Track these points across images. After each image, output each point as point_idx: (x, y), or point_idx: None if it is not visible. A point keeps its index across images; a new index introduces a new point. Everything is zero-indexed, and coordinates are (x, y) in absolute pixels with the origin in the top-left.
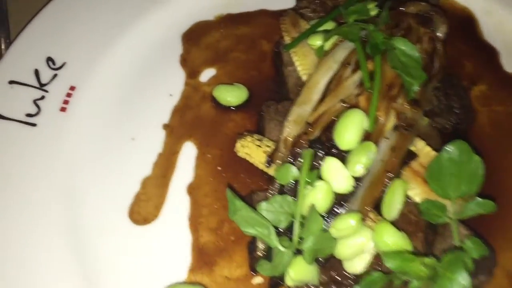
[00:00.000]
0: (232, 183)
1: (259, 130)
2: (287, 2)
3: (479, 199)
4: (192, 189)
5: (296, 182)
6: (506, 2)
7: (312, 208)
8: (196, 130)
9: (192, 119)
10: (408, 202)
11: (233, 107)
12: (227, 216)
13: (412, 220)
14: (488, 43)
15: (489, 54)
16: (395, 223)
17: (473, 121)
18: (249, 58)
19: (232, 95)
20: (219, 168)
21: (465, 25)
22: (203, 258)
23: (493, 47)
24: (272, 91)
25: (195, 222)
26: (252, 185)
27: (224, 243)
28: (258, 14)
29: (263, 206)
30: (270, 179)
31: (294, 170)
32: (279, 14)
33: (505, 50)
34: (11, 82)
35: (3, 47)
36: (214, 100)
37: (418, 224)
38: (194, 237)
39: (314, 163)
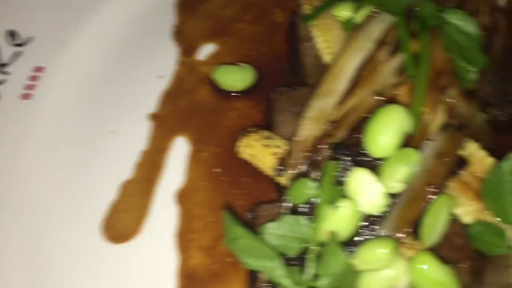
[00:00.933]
0: (232, 191)
1: (268, 123)
2: None
3: None
4: (182, 197)
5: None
6: None
7: (333, 238)
8: (190, 122)
9: (186, 107)
10: (454, 221)
11: (236, 92)
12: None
13: (457, 245)
14: None
15: None
16: (436, 249)
17: None
18: (258, 30)
19: (236, 78)
20: (216, 170)
21: None
22: (193, 284)
23: None
24: (285, 72)
25: (184, 239)
26: (256, 192)
27: (219, 266)
28: None
29: (270, 227)
30: (280, 188)
31: (311, 186)
32: None
33: None
34: None
35: None
36: (213, 84)
37: (464, 250)
38: (182, 258)
39: (337, 174)
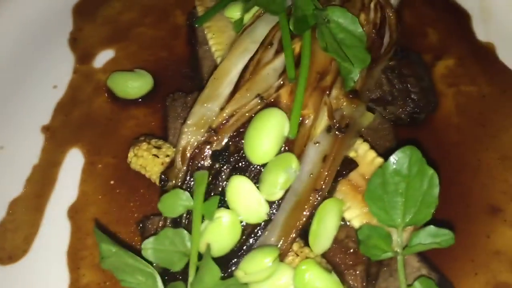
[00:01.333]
0: (128, 204)
1: (165, 130)
2: None
3: (434, 228)
4: (74, 212)
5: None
6: None
7: (207, 251)
8: (84, 132)
9: (81, 118)
10: (347, 226)
11: (134, 100)
12: None
13: (350, 249)
14: (457, 4)
15: (458, 18)
16: (327, 255)
17: (435, 109)
18: (158, 34)
19: (132, 85)
20: (111, 182)
21: None
22: None
23: (463, 9)
24: (185, 77)
25: (75, 257)
26: (154, 204)
27: (112, 284)
28: None
29: (149, 243)
30: None
31: (185, 198)
32: None
33: (479, 13)
34: None
35: None
36: (109, 92)
37: (358, 255)
38: (73, 277)
39: (219, 183)
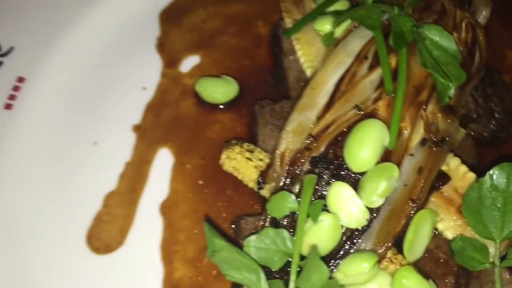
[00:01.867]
0: (216, 204)
1: (251, 135)
2: None
3: None
4: (166, 208)
5: (295, 213)
6: None
7: (314, 251)
8: (173, 133)
9: (170, 119)
10: (437, 236)
11: (220, 104)
12: None
13: (440, 259)
14: None
15: None
16: (418, 264)
17: None
18: (241, 43)
19: (219, 91)
20: (200, 182)
21: (507, 6)
22: None
23: None
24: (269, 85)
25: (169, 251)
26: (241, 204)
27: (203, 278)
28: None
29: (251, 241)
30: (264, 201)
31: (291, 200)
32: None
33: None
34: None
35: None
36: (196, 96)
37: (448, 265)
38: (167, 270)
39: (318, 188)
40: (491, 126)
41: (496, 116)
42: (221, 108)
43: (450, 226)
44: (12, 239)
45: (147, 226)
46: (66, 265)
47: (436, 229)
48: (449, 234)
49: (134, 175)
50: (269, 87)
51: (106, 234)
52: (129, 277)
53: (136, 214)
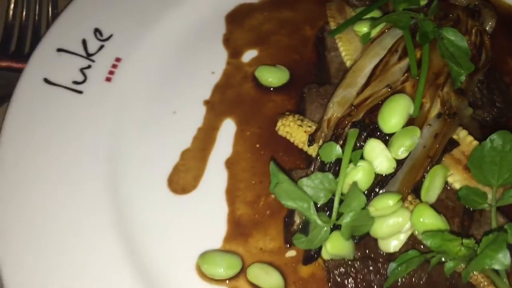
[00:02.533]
0: (269, 161)
1: (299, 112)
2: None
3: None
4: (230, 164)
5: (337, 160)
6: None
7: (354, 185)
8: (236, 108)
9: (233, 97)
10: (446, 189)
11: (273, 88)
12: (263, 192)
13: (449, 206)
14: None
15: None
16: (432, 208)
17: None
18: (292, 42)
19: (274, 76)
20: (257, 145)
21: (508, 21)
22: (239, 229)
23: None
24: (313, 75)
25: (232, 195)
26: (290, 164)
27: (260, 216)
28: (303, 0)
29: (304, 181)
30: (309, 159)
31: (337, 149)
32: (325, 1)
33: None
34: (59, 50)
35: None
36: (255, 80)
37: (455, 210)
38: (230, 209)
39: (357, 144)
40: (493, 112)
41: (497, 105)
42: (274, 90)
43: (458, 180)
44: (114, 181)
45: (215, 176)
46: (151, 200)
47: (446, 182)
48: (457, 185)
49: (205, 138)
50: (314, 76)
51: (182, 180)
52: (200, 213)
53: (207, 167)
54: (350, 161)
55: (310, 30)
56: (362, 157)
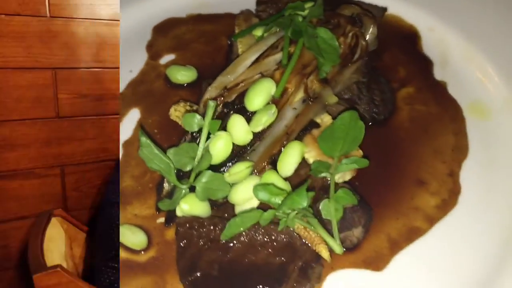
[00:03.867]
0: (164, 144)
1: (198, 104)
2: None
3: (355, 157)
4: (127, 145)
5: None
6: (449, 21)
7: (206, 147)
8: (144, 100)
9: (144, 91)
10: (306, 165)
11: (182, 85)
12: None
13: (302, 176)
14: (426, 55)
15: (424, 64)
16: (289, 180)
17: (391, 115)
18: (207, 49)
19: (182, 74)
20: (155, 130)
21: (409, 39)
22: (122, 198)
23: (429, 59)
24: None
25: (122, 171)
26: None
27: (142, 188)
28: (225, 16)
29: (171, 151)
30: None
31: (198, 118)
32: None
33: (439, 62)
34: None
35: None
36: (166, 79)
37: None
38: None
39: (225, 120)
40: (372, 110)
41: (375, 103)
42: (182, 88)
43: (313, 155)
44: None
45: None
46: None
47: (305, 158)
48: (311, 160)
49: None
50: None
51: None
52: None
53: None
54: None
55: (226, 40)
56: (225, 130)
